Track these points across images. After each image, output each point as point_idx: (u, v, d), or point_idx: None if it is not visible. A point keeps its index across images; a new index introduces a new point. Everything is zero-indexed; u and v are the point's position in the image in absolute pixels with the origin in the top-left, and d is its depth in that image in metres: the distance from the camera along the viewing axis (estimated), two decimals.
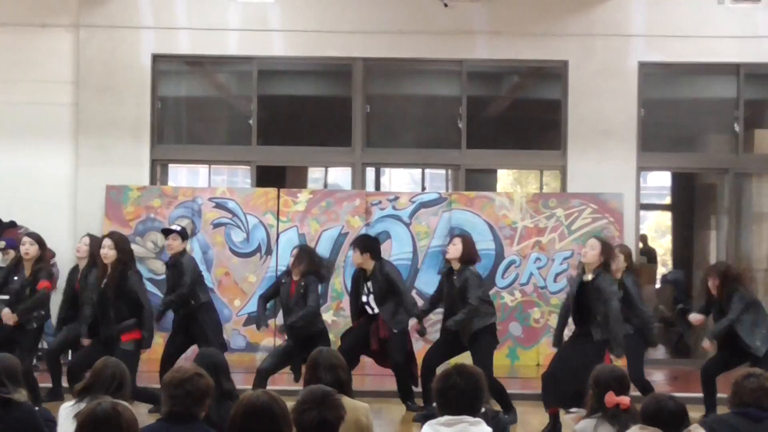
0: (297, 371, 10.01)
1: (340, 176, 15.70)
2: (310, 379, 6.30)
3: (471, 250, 10.26)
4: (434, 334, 10.88)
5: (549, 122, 14.63)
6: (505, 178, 17.49)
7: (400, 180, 17.49)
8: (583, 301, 9.43)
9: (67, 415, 6.31)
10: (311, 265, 10.48)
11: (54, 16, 14.17)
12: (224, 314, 12.40)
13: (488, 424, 5.50)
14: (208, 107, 16.01)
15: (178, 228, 11.08)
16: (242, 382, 9.62)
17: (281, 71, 15.31)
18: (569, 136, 14.24)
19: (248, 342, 12.48)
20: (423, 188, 16.83)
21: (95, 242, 10.32)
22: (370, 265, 10.45)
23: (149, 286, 11.40)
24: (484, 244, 12.90)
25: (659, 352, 14.41)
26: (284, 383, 10.27)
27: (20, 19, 14.08)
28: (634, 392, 6.41)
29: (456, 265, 10.08)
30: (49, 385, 10.66)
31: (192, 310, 10.62)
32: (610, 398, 6.10)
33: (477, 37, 14.29)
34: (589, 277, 9.41)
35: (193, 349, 10.22)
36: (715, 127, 14.99)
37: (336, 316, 12.72)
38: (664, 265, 15.81)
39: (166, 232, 10.85)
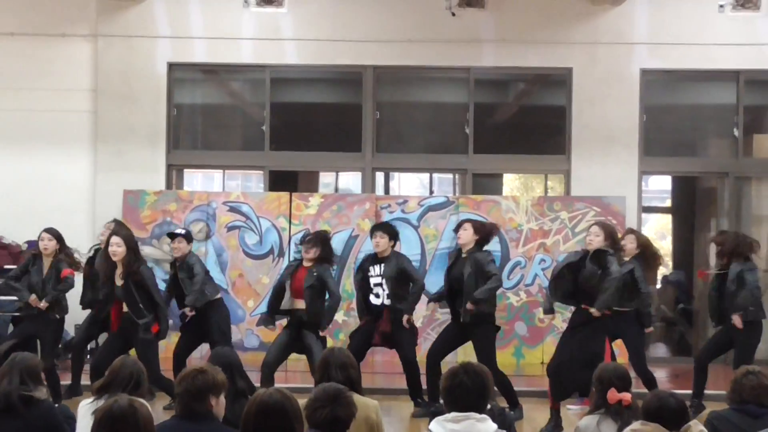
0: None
1: (351, 181, 15.71)
2: (321, 377, 6.32)
3: (482, 230, 10.30)
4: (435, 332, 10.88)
5: (554, 128, 14.62)
6: (511, 182, 17.50)
7: (409, 184, 17.49)
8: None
9: (85, 412, 6.33)
10: (325, 252, 10.50)
11: (73, 26, 14.21)
12: (238, 314, 12.44)
13: (494, 420, 5.50)
14: (222, 114, 16.02)
15: (183, 231, 11.12)
16: (256, 380, 9.62)
17: (293, 79, 15.33)
18: (573, 141, 14.25)
19: (261, 341, 12.49)
20: (431, 192, 16.83)
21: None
22: (388, 250, 10.50)
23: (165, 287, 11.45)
24: (490, 246, 12.88)
25: (661, 350, 14.41)
26: (297, 381, 10.29)
27: (40, 29, 14.13)
28: (636, 389, 6.40)
29: (469, 248, 10.10)
30: (69, 382, 10.71)
31: (204, 307, 10.65)
32: (613, 395, 6.12)
33: (484, 46, 14.31)
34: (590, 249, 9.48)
35: (208, 349, 10.24)
36: (715, 132, 14.98)
37: (346, 316, 12.73)
38: (665, 267, 15.77)
39: (172, 236, 10.88)
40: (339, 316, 12.79)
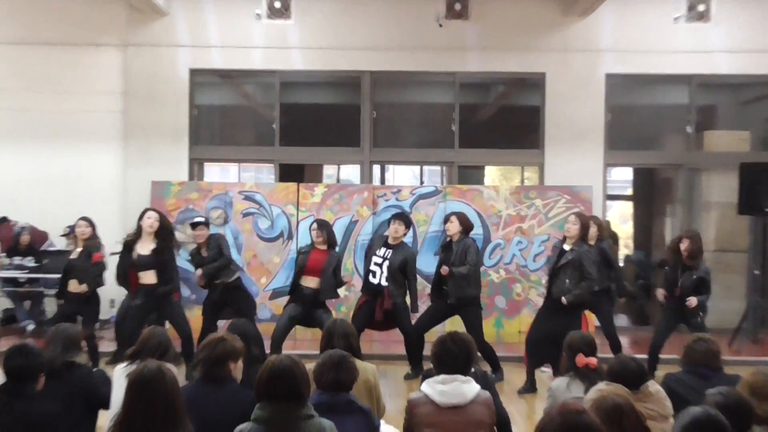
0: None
1: (351, 172, 15.74)
2: (326, 345, 6.37)
3: (466, 222, 10.42)
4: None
5: (529, 125, 14.63)
6: (492, 173, 17.51)
7: (402, 175, 17.51)
8: (560, 266, 9.54)
9: (120, 374, 6.38)
10: (330, 237, 10.60)
11: (105, 36, 14.20)
12: (253, 290, 12.45)
13: (477, 382, 5.56)
14: (237, 114, 16.04)
15: (203, 219, 11.16)
16: (268, 348, 9.68)
17: (300, 82, 15.31)
18: (546, 137, 14.28)
19: (273, 313, 12.53)
20: (422, 182, 16.85)
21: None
22: (401, 239, 10.59)
23: (188, 266, 11.50)
24: (474, 229, 12.95)
25: (623, 320, 14.45)
26: (305, 348, 10.33)
27: (76, 39, 14.14)
28: (602, 354, 6.45)
29: (456, 237, 10.21)
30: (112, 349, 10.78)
31: (233, 283, 10.72)
32: (581, 359, 6.17)
33: (467, 53, 14.30)
34: (568, 247, 9.55)
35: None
36: (671, 129, 14.99)
37: (347, 291, 12.75)
38: (626, 248, 15.81)
39: (194, 225, 10.89)
40: (341, 291, 12.84)
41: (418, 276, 11.11)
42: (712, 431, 3.89)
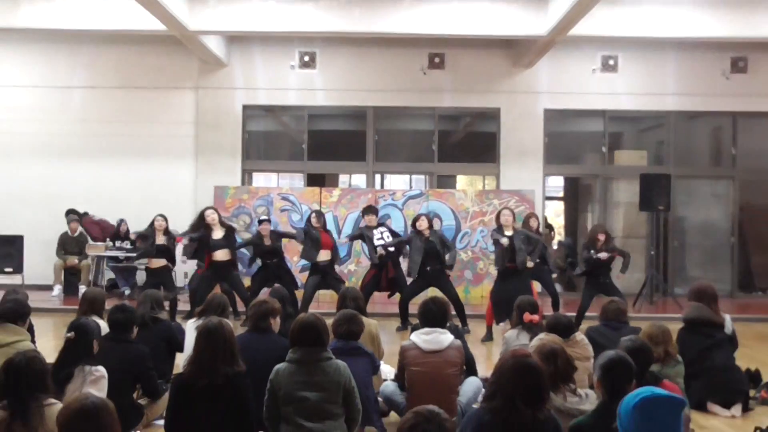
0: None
1: (359, 180, 15.69)
2: (340, 306, 6.39)
3: (431, 221, 10.31)
4: None
5: (489, 146, 14.61)
6: (461, 180, 17.46)
7: (397, 182, 17.45)
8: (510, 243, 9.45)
9: (190, 327, 6.39)
10: (325, 222, 10.66)
11: (182, 82, 14.20)
12: (288, 264, 12.41)
13: (451, 333, 5.56)
14: (276, 137, 16.02)
15: (267, 217, 11.17)
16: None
17: (323, 114, 15.29)
18: (501, 155, 14.27)
19: (301, 283, 12.48)
20: (410, 187, 16.83)
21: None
22: (375, 222, 10.56)
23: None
24: (448, 222, 12.99)
25: (556, 287, 14.43)
26: (325, 308, 10.30)
27: (162, 84, 14.19)
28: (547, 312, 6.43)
29: (426, 233, 10.04)
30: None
31: (280, 260, 10.64)
32: (527, 317, 6.17)
33: (444, 93, 14.29)
34: (509, 233, 9.45)
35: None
36: (590, 149, 15.00)
37: (356, 267, 12.73)
38: (559, 235, 15.77)
39: (261, 221, 10.79)
40: (352, 267, 12.84)
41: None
42: (622, 367, 3.88)
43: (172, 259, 10.48)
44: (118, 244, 12.94)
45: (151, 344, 5.84)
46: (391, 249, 10.41)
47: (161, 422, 5.28)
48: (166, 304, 8.66)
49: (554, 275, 10.47)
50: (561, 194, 17.40)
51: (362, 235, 10.63)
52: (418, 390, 5.27)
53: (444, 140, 14.78)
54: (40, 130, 14.08)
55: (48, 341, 8.21)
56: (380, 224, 10.73)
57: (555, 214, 17.35)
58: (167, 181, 14.02)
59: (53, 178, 14.02)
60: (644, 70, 14.21)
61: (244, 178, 14.37)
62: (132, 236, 12.37)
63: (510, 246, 9.36)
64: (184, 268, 12.21)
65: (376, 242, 10.44)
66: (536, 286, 9.99)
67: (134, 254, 11.93)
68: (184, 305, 10.78)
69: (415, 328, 5.67)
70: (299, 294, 10.45)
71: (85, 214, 13.46)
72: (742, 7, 11.76)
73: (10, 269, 12.73)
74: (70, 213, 13.40)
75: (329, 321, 5.11)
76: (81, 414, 3.11)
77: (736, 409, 6.26)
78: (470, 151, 15.49)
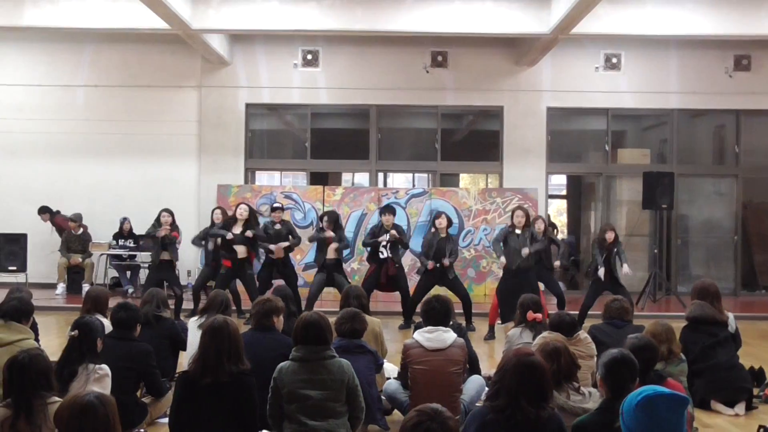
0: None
1: (362, 178, 15.68)
2: (344, 304, 6.38)
3: (450, 221, 10.33)
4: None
5: (491, 144, 14.60)
6: (464, 178, 17.44)
7: (400, 180, 17.45)
8: (514, 246, 9.45)
9: (193, 325, 6.39)
10: (337, 225, 10.54)
11: (186, 80, 14.22)
12: (291, 261, 12.44)
13: (454, 331, 5.55)
14: (279, 135, 16.02)
15: (281, 204, 11.22)
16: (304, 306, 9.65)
17: (325, 113, 15.29)
18: (504, 153, 14.25)
19: (305, 281, 12.49)
20: (413, 185, 16.82)
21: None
22: (392, 223, 10.46)
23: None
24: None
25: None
26: (329, 306, 10.31)
27: (165, 83, 14.20)
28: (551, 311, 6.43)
29: (443, 233, 10.09)
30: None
31: (287, 258, 10.68)
32: (530, 315, 6.16)
33: (447, 91, 14.28)
34: (518, 232, 9.46)
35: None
36: (594, 147, 14.97)
37: (359, 265, 12.74)
38: (562, 233, 15.76)
39: (273, 209, 10.88)
40: (355, 265, 12.84)
41: (409, 252, 11.07)
42: (625, 366, 3.86)
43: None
44: (121, 242, 12.95)
45: (155, 342, 5.84)
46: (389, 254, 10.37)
47: (165, 420, 5.29)
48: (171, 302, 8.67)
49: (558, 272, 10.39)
50: (564, 192, 17.39)
51: (374, 242, 10.51)
52: (421, 388, 5.26)
53: (447, 138, 14.76)
54: (44, 128, 14.11)
55: (51, 339, 8.22)
56: (396, 226, 10.59)
57: (558, 212, 17.34)
58: (170, 179, 14.03)
59: (57, 177, 14.05)
60: (647, 68, 14.19)
61: (247, 177, 14.37)
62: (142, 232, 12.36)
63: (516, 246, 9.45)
64: (187, 266, 12.24)
65: (380, 247, 10.39)
66: (540, 285, 9.98)
67: (143, 252, 11.91)
68: (188, 303, 10.78)
69: (418, 327, 5.67)
70: (302, 292, 10.44)
71: (57, 212, 13.40)
72: (745, 5, 11.74)
73: (14, 267, 12.76)
74: (43, 209, 13.35)
75: (332, 319, 5.11)
76: (79, 410, 3.08)
77: (740, 408, 6.25)
78: (473, 150, 15.48)
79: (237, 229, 10.23)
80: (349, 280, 10.78)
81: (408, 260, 11.44)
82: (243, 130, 14.23)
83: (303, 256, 13.13)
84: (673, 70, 14.22)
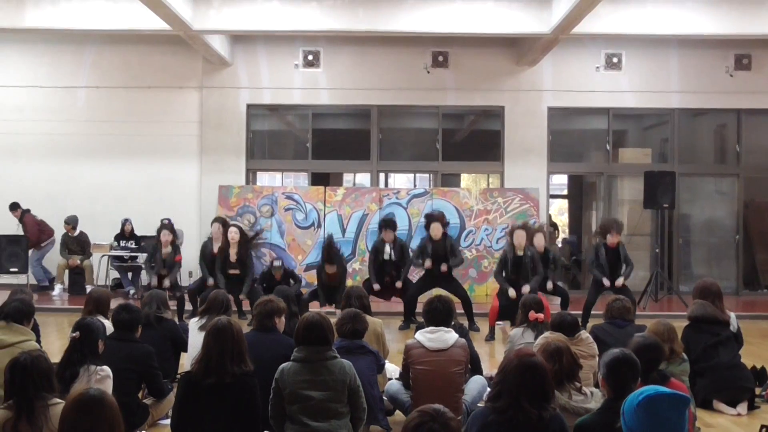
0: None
1: (363, 178, 15.68)
2: (345, 305, 6.37)
3: (444, 224, 10.29)
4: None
5: (493, 144, 14.58)
6: (465, 178, 17.44)
7: (401, 180, 17.44)
8: (518, 264, 9.51)
9: (194, 326, 6.39)
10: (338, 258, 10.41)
11: (187, 81, 14.19)
12: (292, 264, 12.45)
13: (456, 332, 5.55)
14: (281, 136, 16.01)
15: (280, 264, 10.63)
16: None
17: (327, 113, 15.28)
18: (505, 153, 14.23)
19: (306, 282, 12.50)
20: (415, 185, 16.81)
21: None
22: (392, 238, 10.39)
23: None
24: (453, 220, 12.88)
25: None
26: (330, 307, 10.30)
27: (166, 84, 14.15)
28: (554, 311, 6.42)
29: (439, 237, 10.08)
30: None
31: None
32: (532, 315, 6.16)
33: (448, 91, 14.26)
34: (520, 253, 9.52)
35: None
36: (595, 146, 14.95)
37: (361, 265, 12.74)
38: (563, 233, 15.76)
39: (274, 267, 10.52)
40: (357, 265, 12.84)
41: (410, 251, 11.07)
42: (627, 366, 3.86)
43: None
44: (122, 243, 12.95)
45: (156, 343, 5.84)
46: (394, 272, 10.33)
47: (167, 421, 5.29)
48: (172, 303, 8.66)
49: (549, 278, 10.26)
50: (565, 192, 17.39)
51: (376, 259, 10.44)
52: (423, 389, 5.26)
53: (448, 139, 14.75)
54: (45, 130, 14.10)
55: (53, 341, 8.22)
56: (396, 240, 10.51)
57: (559, 212, 17.34)
58: (172, 180, 14.02)
59: (58, 178, 14.05)
60: (648, 68, 14.18)
61: (249, 178, 14.37)
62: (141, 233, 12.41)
63: (516, 268, 9.47)
64: (189, 267, 12.24)
65: (384, 261, 10.31)
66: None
67: (144, 254, 11.94)
68: (188, 304, 10.77)
69: (420, 327, 5.66)
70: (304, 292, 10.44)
71: (28, 211, 13.35)
72: (746, 5, 11.73)
73: (16, 269, 12.77)
74: (14, 206, 13.29)
75: (334, 320, 5.10)
76: (80, 406, 3.09)
77: (742, 407, 6.24)
78: (474, 150, 15.46)
79: (232, 252, 10.20)
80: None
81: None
82: (244, 131, 14.22)
83: (304, 256, 13.14)
84: (674, 69, 14.20)
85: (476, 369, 5.88)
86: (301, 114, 14.84)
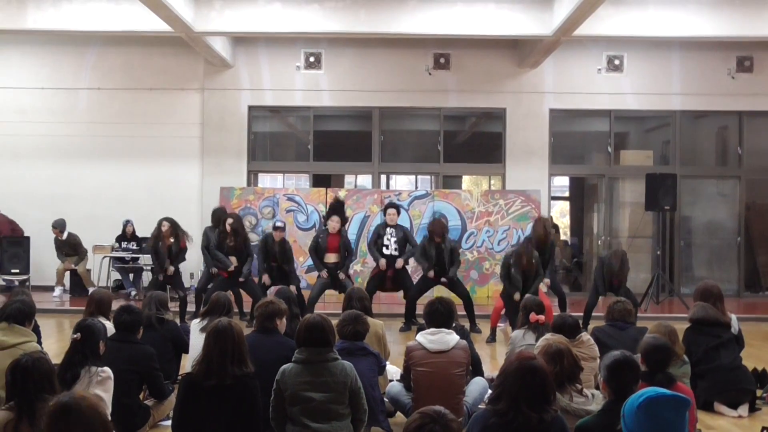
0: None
1: (365, 180, 15.69)
2: (346, 306, 6.36)
3: (444, 231, 10.24)
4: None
5: (494, 146, 14.60)
6: (467, 180, 17.44)
7: (402, 182, 17.44)
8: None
9: (195, 327, 6.38)
10: (343, 220, 10.44)
11: (188, 83, 14.22)
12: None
13: (457, 333, 5.54)
14: (282, 138, 16.03)
15: (283, 224, 10.62)
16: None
17: (328, 115, 15.28)
18: (507, 155, 14.25)
19: (307, 283, 12.49)
20: (416, 187, 16.82)
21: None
22: (396, 220, 10.39)
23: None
24: (454, 222, 12.93)
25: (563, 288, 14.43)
26: (331, 308, 10.30)
27: (168, 85, 14.20)
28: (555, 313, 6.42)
29: (439, 239, 10.08)
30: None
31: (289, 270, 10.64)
32: (533, 317, 6.15)
33: (449, 93, 14.28)
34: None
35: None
36: (596, 148, 14.95)
37: (362, 267, 12.73)
38: (565, 235, 15.75)
39: (275, 228, 10.42)
40: (357, 267, 12.83)
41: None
42: (628, 368, 3.86)
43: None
44: (124, 245, 12.96)
45: (157, 345, 5.83)
46: (395, 252, 10.31)
47: (168, 423, 5.29)
48: (173, 305, 8.67)
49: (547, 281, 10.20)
50: (566, 194, 17.38)
51: (377, 241, 10.44)
52: (424, 390, 5.25)
53: (449, 140, 14.76)
54: (47, 131, 14.13)
55: (54, 343, 8.22)
56: (398, 226, 10.51)
57: (560, 214, 17.32)
58: (173, 182, 14.04)
59: (60, 180, 14.07)
60: (650, 70, 14.19)
61: (250, 179, 14.38)
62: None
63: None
64: (191, 269, 12.25)
65: (385, 240, 10.34)
66: (542, 287, 9.97)
67: (146, 255, 11.92)
68: (191, 305, 10.78)
69: (421, 329, 5.66)
70: (304, 294, 10.43)
71: None
72: (747, 7, 11.74)
73: (17, 270, 12.78)
74: None
75: (335, 321, 5.10)
76: (53, 415, 3.03)
77: (743, 409, 6.23)
78: (476, 152, 15.47)
79: (230, 239, 10.21)
80: (353, 282, 10.71)
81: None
82: (246, 133, 14.24)
83: (306, 257, 13.12)
84: (675, 71, 14.21)
85: (477, 371, 5.87)
86: (302, 116, 14.85)
